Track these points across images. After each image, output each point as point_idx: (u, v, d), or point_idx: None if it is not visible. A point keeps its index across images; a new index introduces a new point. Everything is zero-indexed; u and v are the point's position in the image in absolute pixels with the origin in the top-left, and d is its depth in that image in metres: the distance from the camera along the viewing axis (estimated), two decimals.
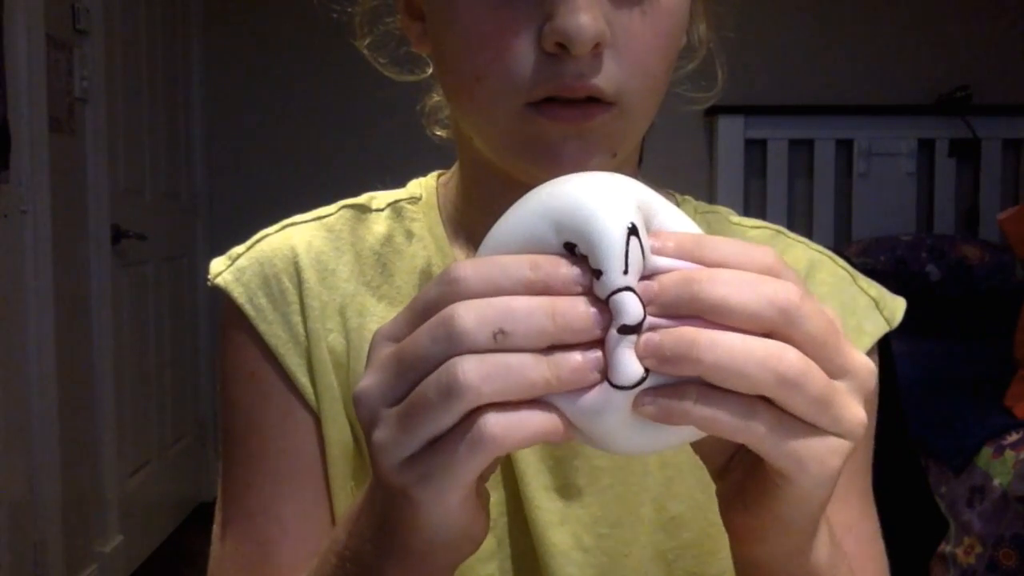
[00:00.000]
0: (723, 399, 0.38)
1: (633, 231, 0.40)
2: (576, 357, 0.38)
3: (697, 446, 0.46)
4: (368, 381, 0.41)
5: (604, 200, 0.41)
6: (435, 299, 0.40)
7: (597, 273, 0.39)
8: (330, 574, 0.49)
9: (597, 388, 0.40)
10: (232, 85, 3.70)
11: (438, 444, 0.39)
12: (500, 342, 0.38)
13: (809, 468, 0.40)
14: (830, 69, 3.60)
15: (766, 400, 0.39)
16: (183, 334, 3.56)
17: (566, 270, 0.39)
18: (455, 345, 0.38)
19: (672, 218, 0.43)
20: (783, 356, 0.38)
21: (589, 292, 0.39)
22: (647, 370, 0.39)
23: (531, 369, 0.38)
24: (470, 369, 0.37)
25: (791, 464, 0.40)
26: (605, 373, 0.39)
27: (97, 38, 2.78)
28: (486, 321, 0.38)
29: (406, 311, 0.41)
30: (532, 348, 0.38)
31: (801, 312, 0.39)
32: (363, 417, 0.41)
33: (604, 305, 0.39)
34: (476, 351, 0.38)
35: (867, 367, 0.42)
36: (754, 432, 0.39)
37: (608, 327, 0.39)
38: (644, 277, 0.40)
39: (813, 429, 0.40)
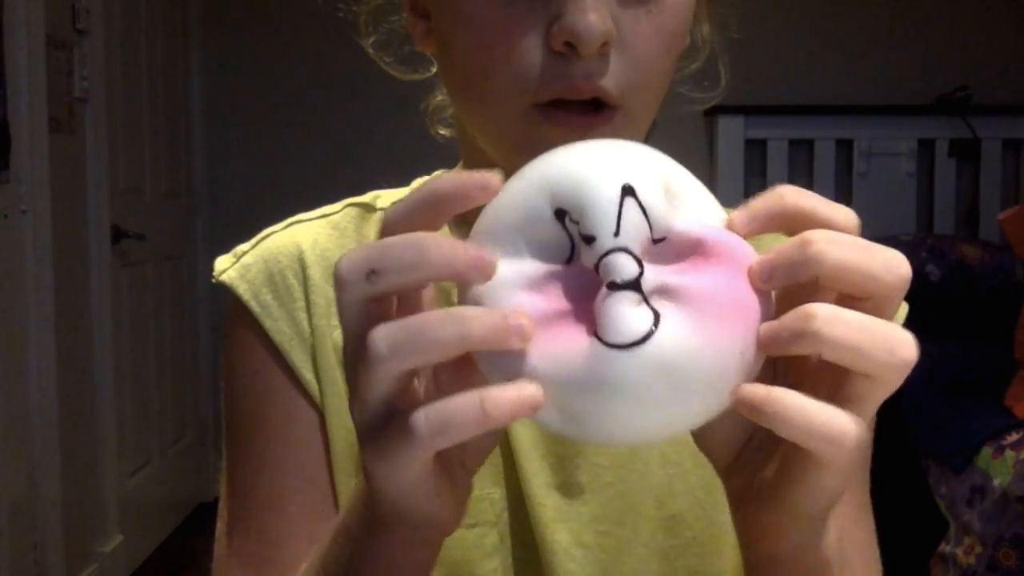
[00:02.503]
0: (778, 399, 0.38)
1: (629, 191, 0.38)
2: (485, 311, 0.37)
3: (704, 443, 0.45)
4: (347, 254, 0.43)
5: (598, 162, 0.39)
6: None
7: (589, 239, 0.38)
8: (327, 548, 0.50)
9: (582, 353, 0.37)
10: (232, 85, 3.70)
11: (392, 424, 0.39)
12: (374, 282, 0.38)
13: (845, 446, 0.39)
14: (830, 69, 3.60)
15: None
16: (183, 334, 3.56)
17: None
18: (338, 292, 0.39)
19: (693, 193, 0.41)
20: (906, 339, 0.38)
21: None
22: (655, 323, 0.37)
23: (435, 326, 0.37)
24: (379, 337, 0.38)
25: (828, 445, 0.38)
26: (595, 332, 0.37)
27: (97, 38, 2.78)
28: (357, 264, 0.39)
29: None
30: (409, 285, 0.39)
31: (901, 286, 0.39)
32: (338, 281, 0.42)
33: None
34: (354, 296, 0.39)
35: None
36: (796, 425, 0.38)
37: (595, 291, 0.37)
38: (657, 240, 0.39)
39: (845, 414, 0.39)
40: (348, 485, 0.65)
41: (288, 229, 0.69)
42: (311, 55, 3.54)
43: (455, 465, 0.43)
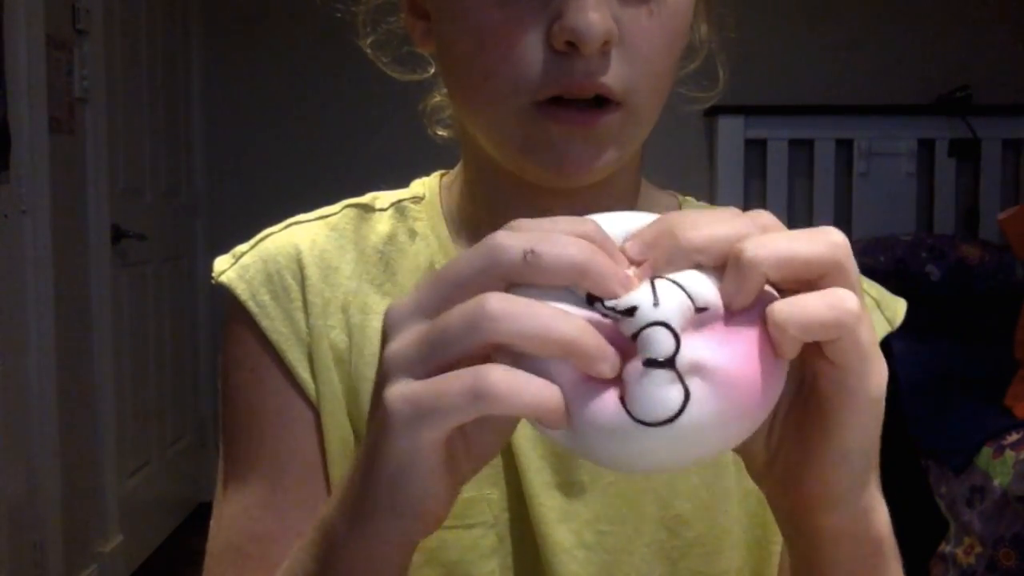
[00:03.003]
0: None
1: (657, 276, 0.39)
2: (600, 338, 0.38)
3: (742, 445, 0.45)
4: (403, 298, 0.42)
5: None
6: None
7: (630, 311, 0.38)
8: (306, 542, 0.49)
9: (610, 418, 0.38)
10: (232, 85, 3.70)
11: (438, 381, 0.38)
12: (530, 261, 0.38)
13: (873, 374, 0.40)
14: (830, 69, 3.60)
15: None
16: (183, 334, 3.56)
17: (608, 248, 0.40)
18: (487, 261, 0.39)
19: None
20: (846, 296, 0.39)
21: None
22: (685, 401, 0.38)
23: (555, 320, 0.37)
24: (496, 302, 0.37)
25: (855, 378, 0.40)
26: (624, 403, 0.38)
27: (97, 38, 2.78)
28: (521, 240, 0.38)
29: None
30: (560, 279, 0.38)
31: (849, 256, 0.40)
32: (387, 326, 0.41)
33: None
34: (506, 268, 0.38)
35: None
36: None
37: (629, 357, 0.38)
38: (700, 310, 0.39)
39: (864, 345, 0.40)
40: None
41: (286, 230, 0.70)
42: (311, 55, 3.54)
43: (459, 458, 0.42)
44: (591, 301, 0.39)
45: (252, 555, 0.64)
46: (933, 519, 2.26)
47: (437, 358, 0.39)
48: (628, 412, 0.38)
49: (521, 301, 0.38)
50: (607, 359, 0.38)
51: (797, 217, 3.57)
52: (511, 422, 0.43)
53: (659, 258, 0.40)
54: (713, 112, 3.44)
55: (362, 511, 0.43)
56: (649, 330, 0.38)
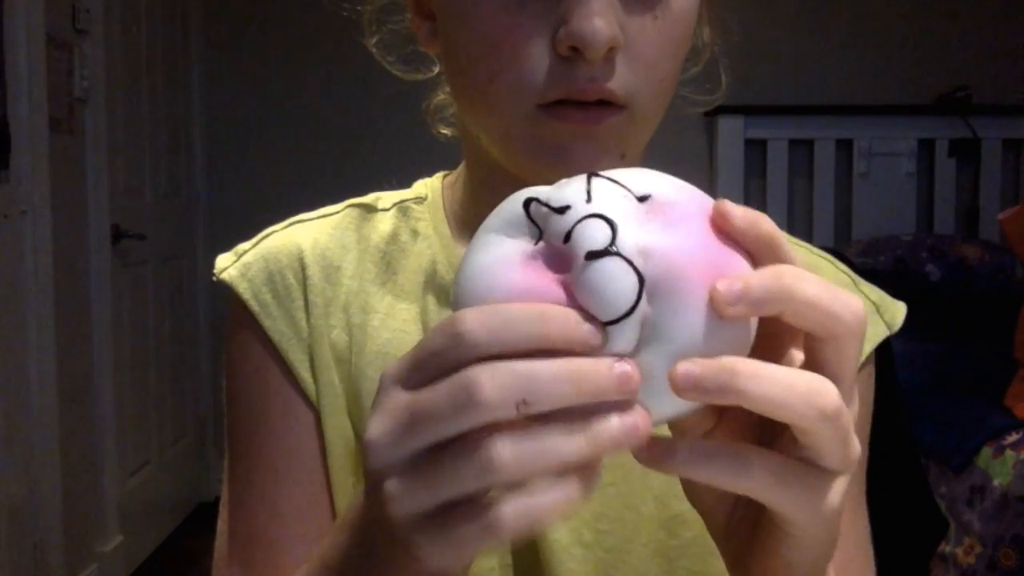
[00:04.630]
0: (715, 454, 0.38)
1: (593, 174, 0.38)
2: (614, 423, 0.37)
3: (698, 501, 0.46)
4: (379, 430, 0.40)
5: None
6: (441, 350, 0.38)
7: (562, 210, 0.37)
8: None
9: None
10: (232, 85, 3.70)
11: (457, 514, 0.38)
12: (523, 411, 0.37)
13: (819, 511, 0.40)
14: (830, 69, 3.60)
15: (758, 448, 0.39)
16: (183, 334, 3.56)
17: (577, 325, 0.37)
18: (479, 415, 0.37)
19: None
20: (824, 391, 0.38)
21: (591, 320, 0.37)
22: (640, 290, 0.36)
23: (565, 445, 0.37)
24: (505, 450, 0.36)
25: (798, 511, 0.40)
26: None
27: (97, 38, 2.78)
28: (508, 391, 0.36)
29: (411, 356, 0.40)
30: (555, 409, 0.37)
31: (861, 330, 0.39)
32: (373, 465, 0.40)
33: (627, 366, 0.37)
34: (497, 419, 0.37)
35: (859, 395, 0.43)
36: (756, 481, 0.39)
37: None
38: (643, 199, 0.38)
39: (816, 470, 0.40)
40: (344, 484, 0.65)
41: (288, 229, 0.70)
42: (311, 55, 3.54)
43: None
44: (527, 207, 0.38)
45: (257, 562, 0.65)
46: (933, 519, 2.26)
47: (441, 499, 0.38)
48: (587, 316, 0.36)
49: (526, 442, 0.36)
50: (629, 442, 0.37)
51: (797, 217, 3.57)
52: None
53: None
54: (713, 112, 3.44)
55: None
56: (581, 223, 0.37)
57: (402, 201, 0.71)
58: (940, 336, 2.71)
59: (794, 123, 3.54)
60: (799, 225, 3.54)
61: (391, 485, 0.39)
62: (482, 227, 0.41)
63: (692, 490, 0.46)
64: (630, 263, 0.36)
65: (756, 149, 3.55)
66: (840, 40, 3.61)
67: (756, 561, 0.44)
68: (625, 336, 0.37)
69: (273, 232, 0.70)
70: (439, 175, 0.74)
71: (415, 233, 0.69)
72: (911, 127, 3.55)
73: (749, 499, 0.43)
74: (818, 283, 0.39)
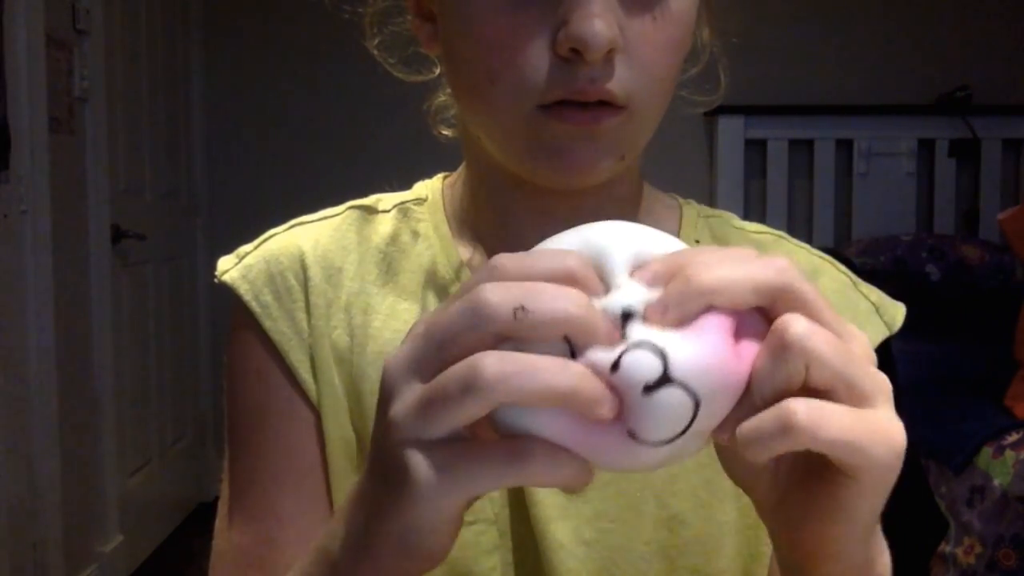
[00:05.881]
0: (790, 423, 0.37)
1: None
2: (597, 382, 0.37)
3: (740, 477, 0.45)
4: (397, 353, 0.41)
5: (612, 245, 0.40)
6: (473, 284, 0.39)
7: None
8: (306, 563, 0.49)
9: (619, 447, 0.38)
10: (232, 85, 3.70)
11: (476, 449, 0.38)
12: (520, 319, 0.37)
13: (885, 438, 0.39)
14: (830, 69, 3.60)
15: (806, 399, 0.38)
16: (183, 334, 3.56)
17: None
18: (477, 319, 0.38)
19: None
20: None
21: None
22: (695, 413, 0.37)
23: (553, 374, 0.37)
24: (491, 364, 0.37)
25: (857, 456, 0.38)
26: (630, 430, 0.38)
27: (97, 38, 2.78)
28: (509, 297, 0.38)
29: (452, 296, 0.41)
30: (550, 335, 0.38)
31: (802, 283, 0.39)
32: (385, 387, 0.41)
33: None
34: (497, 326, 0.38)
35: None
36: (833, 432, 0.38)
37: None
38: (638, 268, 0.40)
39: (867, 413, 0.39)
40: (344, 485, 0.65)
41: (290, 231, 0.70)
42: (312, 55, 3.54)
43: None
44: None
45: (254, 563, 0.65)
46: (933, 519, 2.26)
47: (442, 425, 0.39)
48: (636, 438, 0.38)
49: (515, 359, 0.37)
50: (606, 402, 0.37)
51: (797, 217, 3.57)
52: None
53: (670, 296, 0.39)
54: (713, 112, 3.44)
55: (368, 551, 0.43)
56: (630, 355, 0.37)
57: (402, 202, 0.71)
58: (940, 336, 2.71)
59: (794, 123, 3.54)
60: (799, 225, 3.54)
61: (396, 409, 0.40)
62: None
63: (733, 467, 0.44)
64: (685, 388, 0.37)
65: (756, 149, 3.55)
66: (840, 40, 3.61)
67: (809, 531, 0.42)
68: None
69: (274, 234, 0.70)
70: (439, 176, 0.74)
71: (416, 234, 0.69)
72: (911, 127, 3.55)
73: (793, 463, 0.42)
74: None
